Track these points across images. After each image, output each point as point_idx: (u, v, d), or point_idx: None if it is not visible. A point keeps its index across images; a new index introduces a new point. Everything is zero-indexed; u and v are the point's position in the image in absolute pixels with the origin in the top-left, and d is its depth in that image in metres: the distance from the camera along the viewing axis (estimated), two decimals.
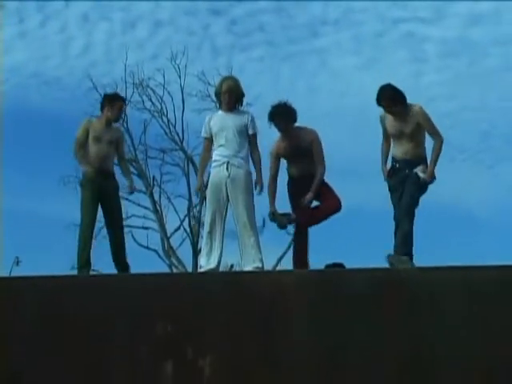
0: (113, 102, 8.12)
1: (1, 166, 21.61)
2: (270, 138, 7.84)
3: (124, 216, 7.94)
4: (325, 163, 7.71)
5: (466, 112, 39.08)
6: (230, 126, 7.45)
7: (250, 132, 7.52)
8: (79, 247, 7.83)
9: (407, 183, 7.08)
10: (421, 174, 7.04)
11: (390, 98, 7.13)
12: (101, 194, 7.87)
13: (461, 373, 5.17)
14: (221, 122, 7.55)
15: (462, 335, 5.23)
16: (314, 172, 7.63)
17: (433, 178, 7.08)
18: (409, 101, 7.19)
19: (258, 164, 7.59)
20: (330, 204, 7.57)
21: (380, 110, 7.30)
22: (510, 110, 33.41)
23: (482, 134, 40.44)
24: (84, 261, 7.70)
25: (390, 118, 7.27)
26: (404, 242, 6.75)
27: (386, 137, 7.48)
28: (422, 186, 7.09)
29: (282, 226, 7.78)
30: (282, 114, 7.68)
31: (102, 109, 8.11)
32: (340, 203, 7.58)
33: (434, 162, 7.09)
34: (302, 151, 7.64)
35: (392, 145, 7.44)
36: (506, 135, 36.48)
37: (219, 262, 7.31)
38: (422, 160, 7.17)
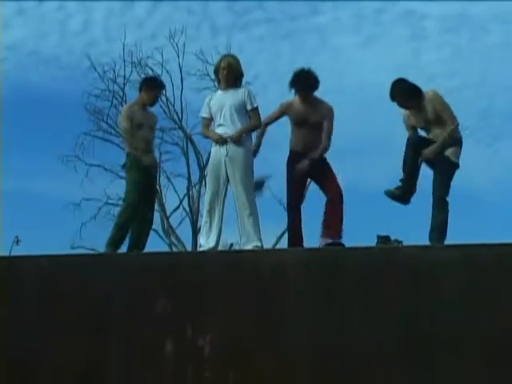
0: (151, 87, 8.10)
1: (1, 146, 21.62)
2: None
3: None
4: (330, 141, 7.54)
5: (466, 89, 38.97)
6: (228, 105, 7.40)
7: (249, 107, 7.44)
8: (116, 225, 7.75)
9: (437, 171, 7.04)
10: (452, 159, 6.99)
11: (404, 93, 7.06)
12: (146, 176, 7.83)
13: (461, 349, 5.18)
14: (219, 101, 7.51)
15: (461, 312, 5.24)
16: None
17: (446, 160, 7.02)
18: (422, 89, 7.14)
19: (249, 126, 7.46)
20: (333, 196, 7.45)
21: (399, 110, 7.26)
22: (510, 87, 33.31)
23: (481, 111, 40.33)
24: (117, 240, 7.63)
25: (411, 116, 7.23)
26: (440, 231, 6.76)
27: (413, 138, 7.36)
28: (451, 172, 7.03)
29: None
30: (303, 80, 7.53)
31: (140, 90, 8.12)
32: (341, 194, 7.48)
33: (440, 145, 7.01)
34: (311, 123, 7.54)
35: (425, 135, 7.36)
36: (506, 112, 36.47)
37: (218, 241, 7.30)
38: (456, 140, 7.11)
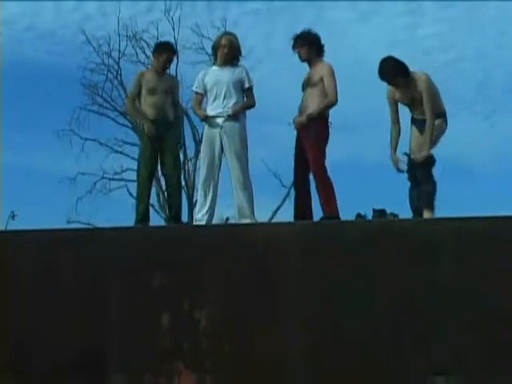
0: (159, 51, 7.95)
1: (1, 122, 21.52)
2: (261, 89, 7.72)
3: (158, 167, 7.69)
4: (336, 96, 7.36)
5: (463, 62, 38.91)
6: (225, 81, 7.40)
7: (246, 85, 7.47)
8: (137, 201, 7.72)
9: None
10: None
11: (392, 71, 7.08)
12: (160, 145, 7.66)
13: (460, 321, 5.20)
14: (216, 76, 7.49)
15: (457, 283, 5.26)
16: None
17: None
18: (412, 68, 7.16)
19: (245, 103, 7.50)
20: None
21: (385, 86, 7.26)
22: (507, 59, 33.21)
23: (478, 84, 40.29)
24: (141, 215, 7.60)
25: (397, 91, 7.24)
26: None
27: (396, 120, 7.40)
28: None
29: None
30: (304, 41, 7.50)
31: (152, 56, 8.04)
32: (318, 165, 7.34)
33: (428, 142, 7.07)
34: (312, 84, 7.48)
35: (410, 110, 7.38)
36: (503, 85, 36.42)
37: (212, 214, 7.32)
38: (440, 115, 7.14)
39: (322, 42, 7.60)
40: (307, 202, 7.40)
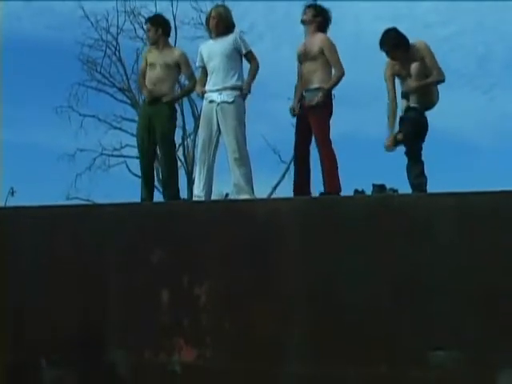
0: (152, 25, 7.93)
1: (1, 97, 21.42)
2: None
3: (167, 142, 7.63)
4: (342, 67, 7.37)
5: (463, 36, 38.67)
6: (218, 54, 7.34)
7: (243, 51, 7.40)
8: (141, 181, 7.71)
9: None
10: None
11: (393, 42, 7.06)
12: (153, 122, 7.65)
13: (460, 296, 5.21)
14: (209, 50, 7.46)
15: (457, 259, 5.26)
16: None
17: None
18: (411, 40, 7.14)
19: (252, 71, 7.46)
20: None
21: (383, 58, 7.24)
22: (508, 33, 33.04)
23: (479, 58, 40.07)
24: (145, 195, 7.60)
25: (396, 64, 7.22)
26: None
27: (393, 97, 7.37)
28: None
29: None
30: (309, 10, 7.53)
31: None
32: (322, 140, 7.36)
33: (421, 84, 7.08)
34: (312, 57, 7.44)
35: (400, 83, 7.38)
36: (503, 59, 36.24)
37: (209, 191, 7.31)
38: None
39: (330, 19, 7.60)
40: (307, 178, 7.39)
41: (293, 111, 7.54)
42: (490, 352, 5.08)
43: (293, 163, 7.59)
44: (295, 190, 7.35)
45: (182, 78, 8.29)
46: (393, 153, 7.24)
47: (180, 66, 7.82)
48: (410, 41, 7.14)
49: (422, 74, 7.09)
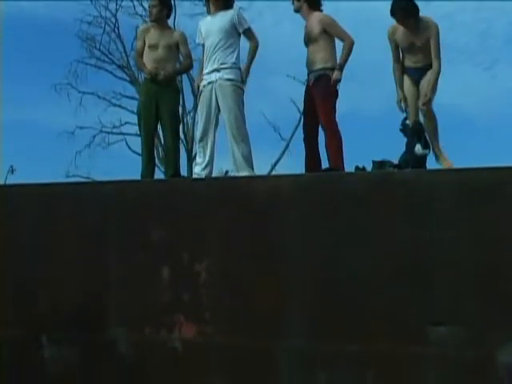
0: (152, 4, 7.90)
1: (1, 75, 21.35)
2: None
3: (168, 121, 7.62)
4: (350, 36, 7.39)
5: (464, 13, 38.49)
6: (215, 31, 7.30)
7: (241, 30, 7.35)
8: (142, 159, 7.70)
9: None
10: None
11: (405, 10, 7.03)
12: (157, 100, 7.65)
13: (460, 272, 5.21)
14: (207, 27, 7.41)
15: (458, 235, 5.26)
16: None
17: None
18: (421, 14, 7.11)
19: (251, 52, 7.44)
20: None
21: (389, 24, 7.22)
22: (509, 9, 32.88)
23: (480, 34, 39.91)
24: (147, 173, 7.60)
25: (401, 31, 7.19)
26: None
27: (397, 58, 7.35)
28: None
29: None
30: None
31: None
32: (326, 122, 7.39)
33: (431, 89, 7.09)
34: (313, 39, 7.43)
35: (402, 56, 7.36)
36: (505, 36, 36.07)
37: (211, 170, 7.31)
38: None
39: None
40: (317, 156, 7.42)
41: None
42: (489, 328, 5.09)
43: (303, 142, 7.60)
44: (307, 169, 7.38)
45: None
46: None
47: (179, 46, 7.80)
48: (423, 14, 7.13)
49: (428, 50, 7.07)
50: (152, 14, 7.87)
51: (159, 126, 7.84)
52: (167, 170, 7.79)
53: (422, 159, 7.19)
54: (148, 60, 7.72)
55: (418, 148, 7.12)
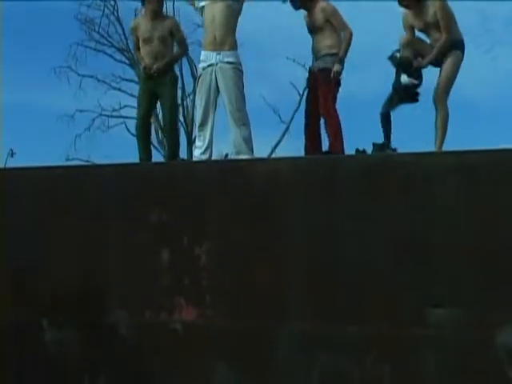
0: None
1: (1, 59, 21.28)
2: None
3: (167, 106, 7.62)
4: (349, 27, 7.41)
5: None
6: (217, 11, 7.25)
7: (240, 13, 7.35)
8: (138, 145, 7.69)
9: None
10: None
11: None
12: (156, 93, 7.64)
13: (459, 254, 5.22)
14: (207, 9, 7.36)
15: (457, 217, 5.26)
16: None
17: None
18: None
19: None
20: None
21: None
22: None
23: (481, 16, 39.74)
24: (145, 156, 7.60)
25: (411, 15, 7.15)
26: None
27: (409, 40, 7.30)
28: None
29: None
30: None
31: (142, 3, 7.78)
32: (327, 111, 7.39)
33: (434, 55, 7.03)
34: (318, 28, 7.44)
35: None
36: (507, 18, 35.90)
37: (210, 153, 7.30)
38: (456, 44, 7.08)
39: None
40: (317, 145, 7.43)
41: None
42: (488, 310, 5.10)
43: (304, 130, 7.61)
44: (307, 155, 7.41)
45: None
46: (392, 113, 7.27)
47: (172, 32, 7.76)
48: None
49: (438, 28, 7.00)
50: (151, 3, 7.69)
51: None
52: (169, 156, 7.79)
53: (410, 89, 7.18)
54: (145, 54, 7.66)
55: (404, 77, 7.12)
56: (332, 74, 7.27)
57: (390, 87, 7.29)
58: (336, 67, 7.28)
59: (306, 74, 7.72)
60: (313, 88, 7.52)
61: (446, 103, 6.99)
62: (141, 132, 7.70)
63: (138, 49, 7.82)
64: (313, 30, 7.50)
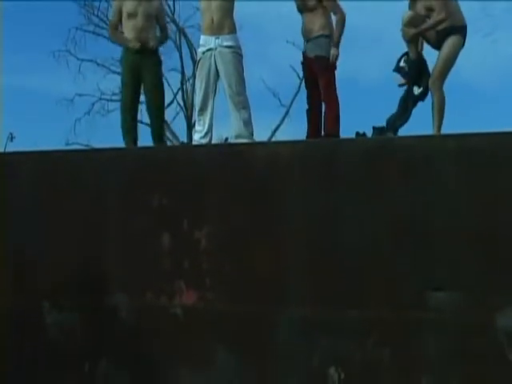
0: None
1: (1, 43, 21.23)
2: None
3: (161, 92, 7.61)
4: (342, 10, 7.38)
5: None
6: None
7: None
8: (122, 130, 7.66)
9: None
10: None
11: None
12: (139, 69, 7.59)
13: (460, 237, 5.22)
14: None
15: (458, 201, 5.25)
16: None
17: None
18: None
19: None
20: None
21: None
22: None
23: (480, 1, 39.56)
24: (127, 140, 7.58)
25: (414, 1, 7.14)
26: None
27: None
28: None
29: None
30: None
31: None
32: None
33: (426, 28, 7.01)
34: (309, 8, 7.41)
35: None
36: (505, 2, 35.74)
37: (210, 138, 7.29)
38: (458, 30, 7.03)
39: None
40: (319, 128, 7.43)
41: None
42: (489, 293, 5.11)
43: (306, 114, 7.61)
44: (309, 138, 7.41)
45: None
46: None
47: (157, 17, 7.75)
48: None
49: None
50: None
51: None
52: (153, 138, 7.76)
53: (422, 97, 7.21)
54: (127, 29, 7.61)
55: (416, 89, 7.15)
56: (331, 59, 7.25)
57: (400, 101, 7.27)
58: (333, 51, 7.26)
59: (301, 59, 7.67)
60: (309, 73, 7.50)
61: (441, 87, 6.97)
62: (128, 116, 7.66)
63: (115, 27, 7.78)
64: (304, 9, 7.45)
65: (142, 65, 7.55)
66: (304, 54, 7.58)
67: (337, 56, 7.29)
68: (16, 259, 6.24)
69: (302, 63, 7.63)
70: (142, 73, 7.56)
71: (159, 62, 7.87)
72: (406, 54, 7.31)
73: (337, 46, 7.29)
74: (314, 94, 7.43)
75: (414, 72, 7.19)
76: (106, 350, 6.00)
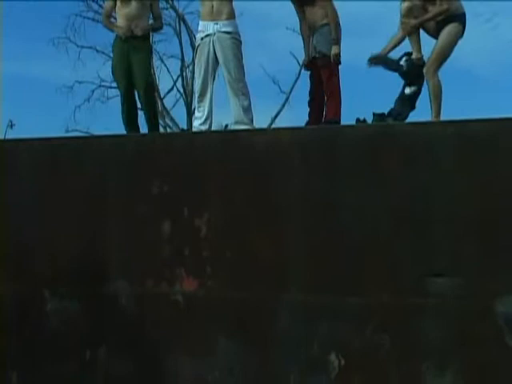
0: None
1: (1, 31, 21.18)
2: None
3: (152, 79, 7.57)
4: (334, 14, 7.42)
5: None
6: None
7: None
8: (122, 119, 7.64)
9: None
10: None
11: None
12: (130, 56, 7.55)
13: (459, 223, 5.22)
14: None
15: (457, 187, 5.25)
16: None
17: None
18: None
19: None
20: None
21: None
22: None
23: None
24: (129, 128, 7.57)
25: None
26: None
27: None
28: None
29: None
30: None
31: None
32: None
33: (427, 18, 6.99)
34: (309, 1, 7.43)
35: None
36: None
37: (210, 124, 7.29)
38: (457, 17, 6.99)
39: None
40: (320, 119, 7.44)
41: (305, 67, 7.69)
42: (489, 279, 5.11)
43: (308, 105, 7.63)
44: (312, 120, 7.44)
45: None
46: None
47: (152, 6, 7.73)
48: None
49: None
50: None
51: None
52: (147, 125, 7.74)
53: (415, 97, 7.19)
54: (120, 16, 7.59)
55: (407, 89, 7.15)
56: (332, 58, 7.27)
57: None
58: (334, 49, 7.28)
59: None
60: (315, 68, 7.53)
61: (435, 74, 6.93)
62: (125, 104, 7.64)
63: (109, 15, 7.76)
64: (305, 2, 7.47)
65: (131, 52, 7.52)
66: (308, 52, 7.61)
67: (338, 54, 7.30)
68: (16, 247, 6.24)
69: (306, 65, 7.67)
70: (131, 60, 7.53)
71: (149, 50, 7.86)
72: (408, 54, 7.26)
73: (337, 43, 7.30)
74: (318, 88, 7.45)
75: (413, 75, 7.15)
76: (106, 337, 6.01)
